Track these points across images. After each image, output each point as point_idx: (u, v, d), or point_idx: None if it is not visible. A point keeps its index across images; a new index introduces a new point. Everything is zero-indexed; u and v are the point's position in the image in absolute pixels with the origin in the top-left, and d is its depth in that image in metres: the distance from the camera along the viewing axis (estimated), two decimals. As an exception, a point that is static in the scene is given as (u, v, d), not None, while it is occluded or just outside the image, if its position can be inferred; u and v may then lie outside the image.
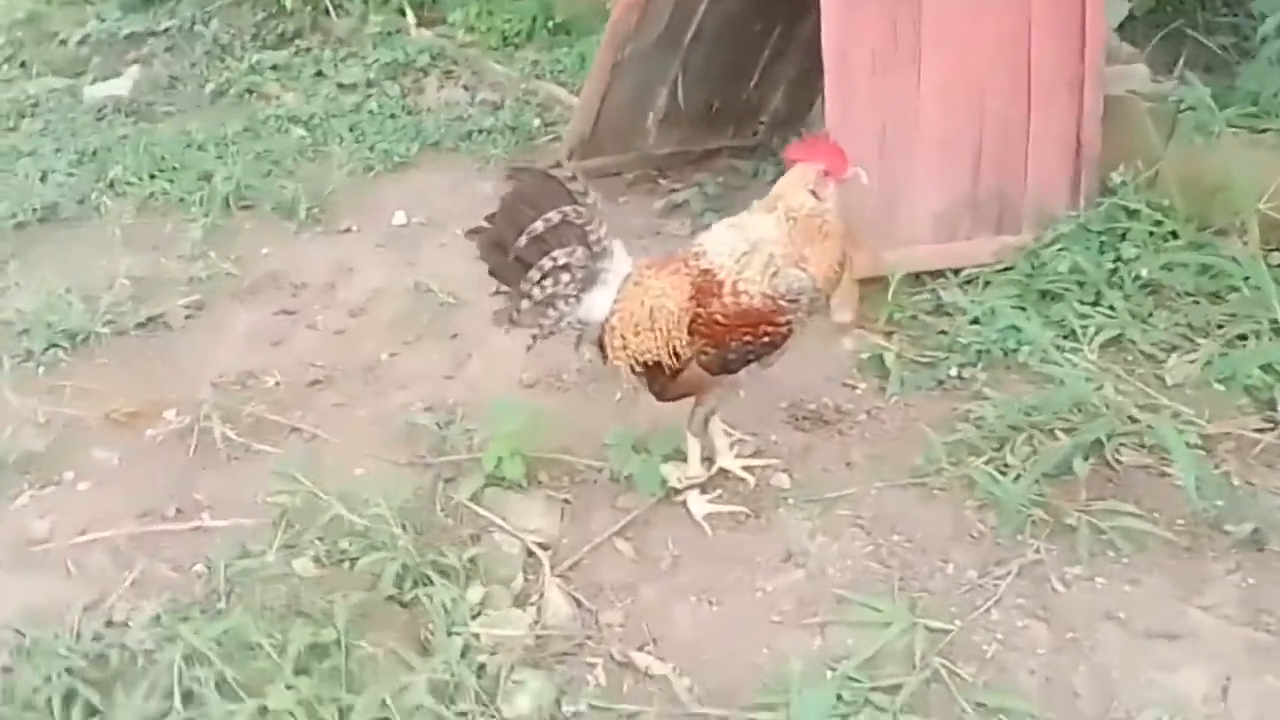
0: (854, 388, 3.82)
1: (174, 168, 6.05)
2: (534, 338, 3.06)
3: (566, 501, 3.38)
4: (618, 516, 3.30)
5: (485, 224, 3.00)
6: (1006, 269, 4.29)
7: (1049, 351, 3.74)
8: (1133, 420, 3.39)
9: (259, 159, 6.16)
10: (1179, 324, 3.89)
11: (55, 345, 4.34)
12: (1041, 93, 4.37)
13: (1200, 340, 3.79)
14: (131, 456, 3.72)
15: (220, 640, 2.79)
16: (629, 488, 3.37)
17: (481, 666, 2.80)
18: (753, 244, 2.95)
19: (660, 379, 3.12)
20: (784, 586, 3.02)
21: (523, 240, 2.90)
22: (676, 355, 3.04)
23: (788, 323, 2.97)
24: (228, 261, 5.06)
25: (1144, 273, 4.10)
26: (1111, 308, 3.95)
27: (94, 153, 6.25)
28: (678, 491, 3.31)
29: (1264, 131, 4.31)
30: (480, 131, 6.36)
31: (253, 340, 4.43)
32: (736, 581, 3.05)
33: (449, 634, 2.89)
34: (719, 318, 2.97)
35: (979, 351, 3.86)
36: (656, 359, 3.05)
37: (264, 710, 2.62)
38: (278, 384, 4.09)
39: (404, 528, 3.16)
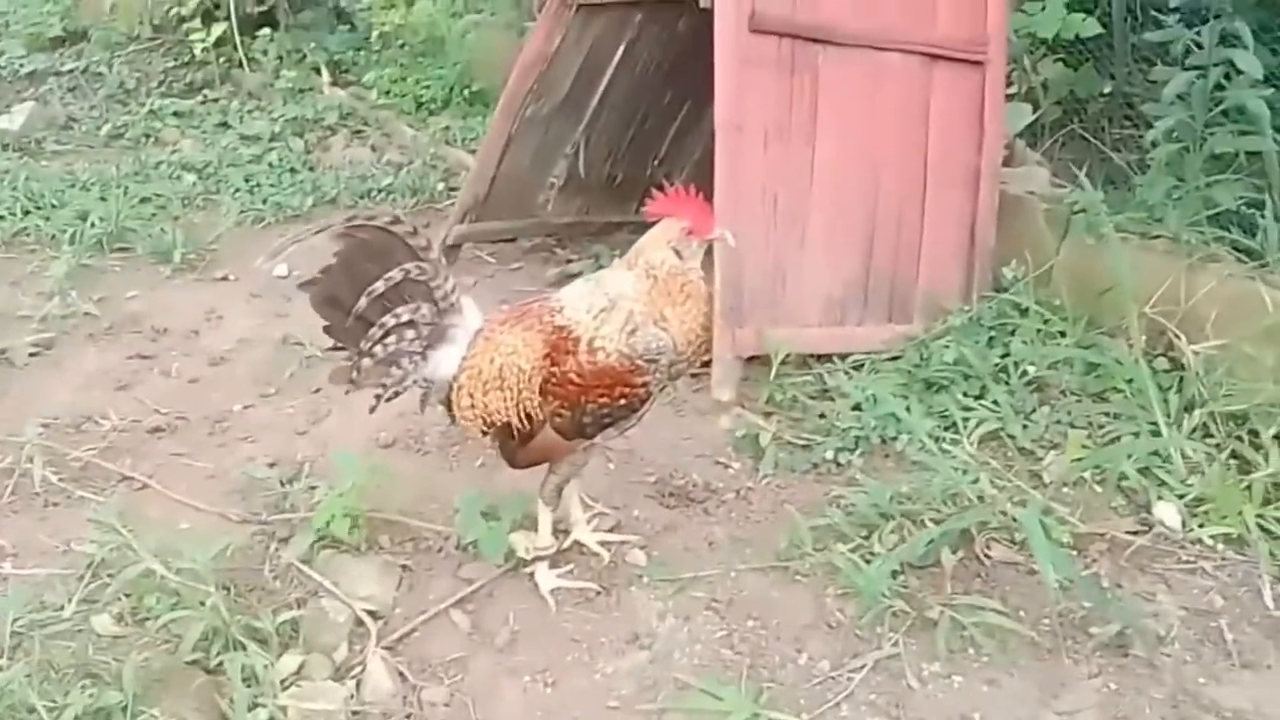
0: (726, 466, 3.68)
1: (51, 205, 5.85)
2: (377, 398, 2.87)
3: (405, 568, 3.17)
4: (458, 586, 3.10)
5: (319, 276, 2.80)
6: (894, 357, 4.23)
7: (926, 442, 3.65)
8: (1004, 514, 3.28)
9: (144, 203, 5.99)
10: (1060, 421, 3.83)
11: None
12: (937, 180, 4.38)
13: (1082, 439, 3.72)
14: (-64, 499, 3.43)
15: (-12, 699, 2.51)
16: (475, 556, 3.17)
17: (278, 745, 2.55)
18: (611, 300, 2.82)
19: (511, 443, 2.95)
20: (625, 669, 2.83)
21: (363, 302, 2.72)
22: (528, 417, 2.88)
23: (645, 384, 2.82)
24: (89, 302, 4.83)
25: (1030, 369, 4.05)
26: (995, 402, 3.88)
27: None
28: (526, 563, 3.12)
29: (1155, 238, 4.32)
30: (380, 190, 6.26)
31: (98, 382, 4.19)
32: (575, 662, 2.86)
33: (252, 705, 2.65)
34: (573, 377, 2.82)
35: (857, 437, 3.75)
36: (506, 420, 2.88)
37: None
38: (115, 429, 3.84)
39: (220, 587, 2.91)
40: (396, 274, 2.71)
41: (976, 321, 4.33)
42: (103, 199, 5.86)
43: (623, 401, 2.84)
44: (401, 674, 2.83)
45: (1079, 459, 3.56)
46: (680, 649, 2.89)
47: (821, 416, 3.92)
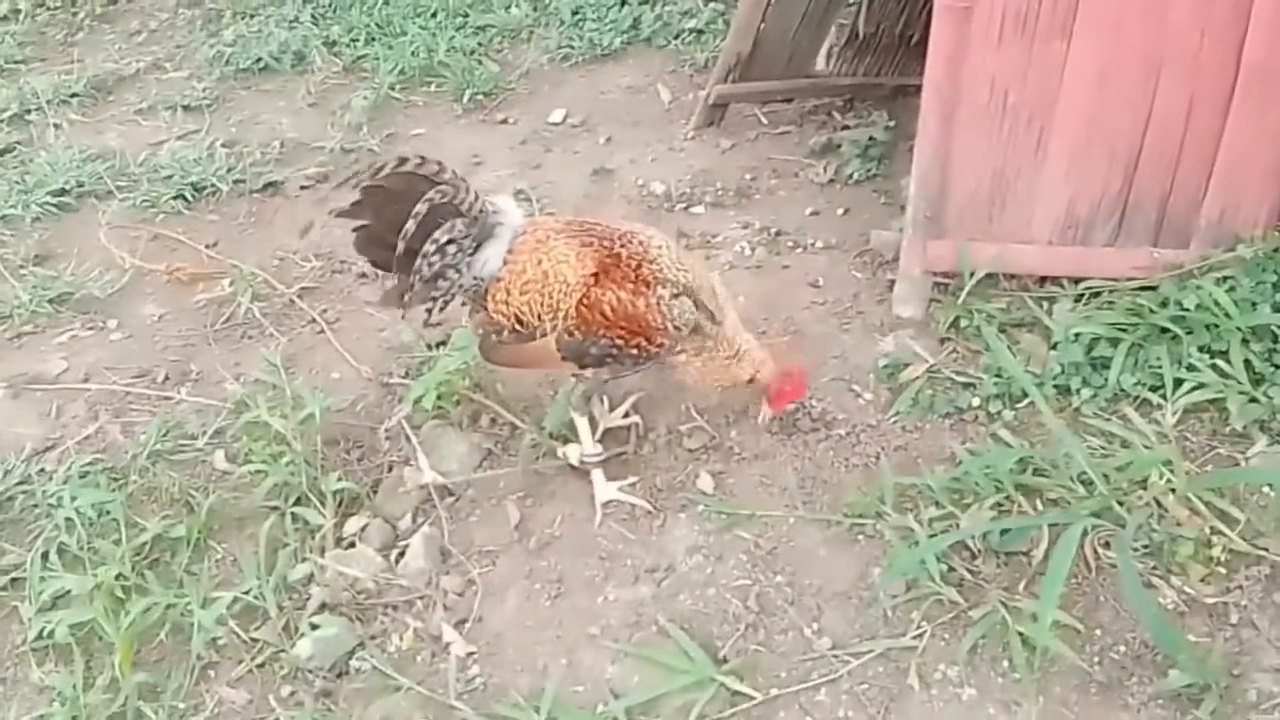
0: (859, 395, 3.49)
1: (397, 33, 6.37)
2: (429, 312, 3.05)
3: (490, 451, 3.40)
4: (527, 481, 3.28)
5: (356, 226, 2.94)
6: (1146, 287, 3.68)
7: (1112, 402, 3.25)
8: (1150, 507, 2.88)
9: (475, 33, 6.36)
10: (1303, 408, 3.20)
11: (181, 195, 4.83)
12: (1255, 82, 3.59)
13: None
14: (171, 316, 4.15)
15: (95, 510, 3.12)
16: (550, 452, 3.33)
17: (301, 597, 2.95)
18: (690, 273, 2.97)
19: (506, 337, 3.07)
20: (626, 600, 2.91)
21: (400, 244, 2.87)
22: (540, 321, 3.00)
23: (660, 345, 2.95)
24: (377, 137, 5.35)
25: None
26: (1228, 364, 3.30)
27: (327, 7, 6.71)
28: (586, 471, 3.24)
29: None
30: (690, 32, 6.19)
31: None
32: (588, 580, 2.98)
33: (298, 559, 3.06)
34: (606, 307, 2.91)
35: (1024, 385, 3.37)
36: (526, 320, 3.00)
37: (95, 585, 2.92)
38: (331, 270, 4.34)
39: (329, 441, 3.36)
40: (421, 208, 2.83)
41: (1274, 256, 3.65)
42: (433, 32, 6.33)
43: (634, 351, 2.94)
44: (443, 551, 3.11)
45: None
46: (690, 591, 2.91)
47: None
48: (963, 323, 3.69)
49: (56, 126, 5.53)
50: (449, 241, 2.92)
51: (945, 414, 3.38)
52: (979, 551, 2.90)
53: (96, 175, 5.00)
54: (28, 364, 3.90)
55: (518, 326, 3.02)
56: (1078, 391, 3.39)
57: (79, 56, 6.33)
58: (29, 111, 5.64)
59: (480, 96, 5.66)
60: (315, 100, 5.83)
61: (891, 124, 4.96)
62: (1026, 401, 3.37)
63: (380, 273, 3.02)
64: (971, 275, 3.71)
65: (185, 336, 4.03)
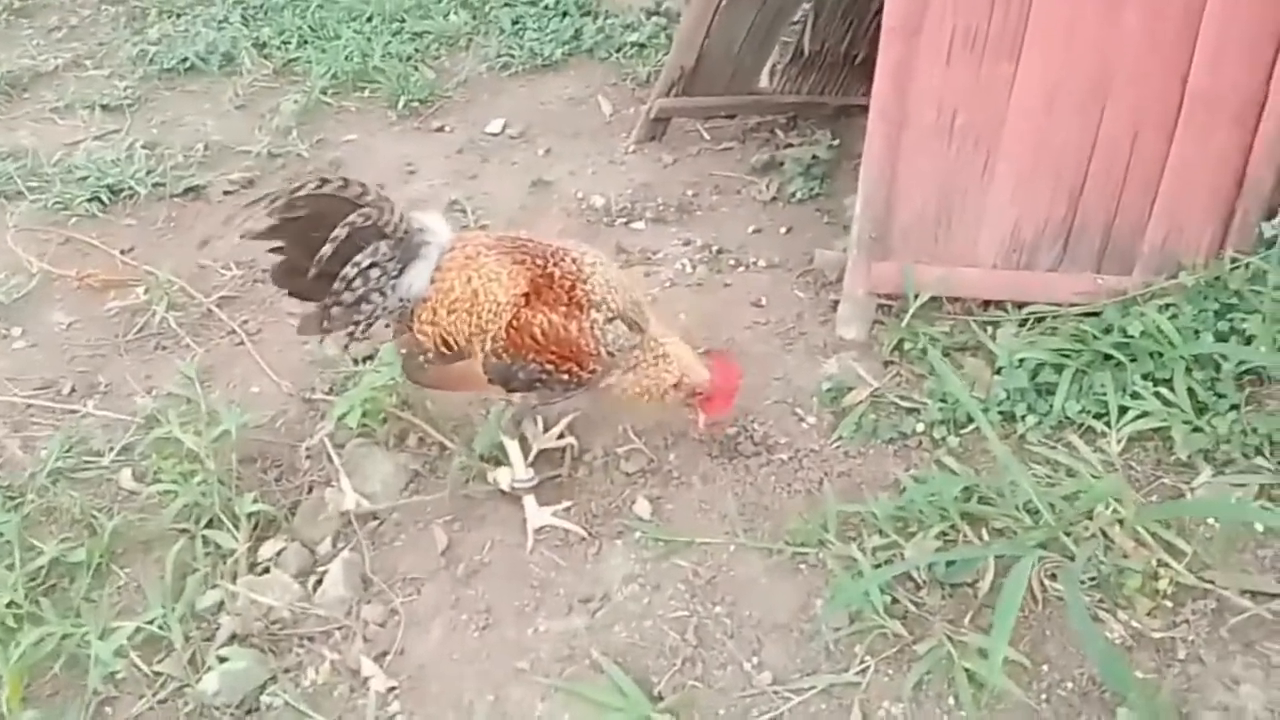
0: (802, 420, 3.40)
1: (331, 37, 6.21)
2: (349, 335, 2.91)
3: (417, 472, 3.25)
4: (455, 504, 3.14)
5: (274, 259, 2.79)
6: (1090, 313, 3.64)
7: (1057, 430, 3.20)
8: (1072, 540, 2.81)
9: (412, 39, 6.21)
10: (1251, 432, 3.15)
11: (96, 198, 4.63)
12: (1200, 109, 3.56)
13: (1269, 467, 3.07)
14: (81, 325, 3.96)
15: (-12, 533, 2.92)
16: (481, 474, 3.19)
17: (210, 627, 2.78)
18: (623, 293, 2.87)
19: (430, 357, 2.94)
20: (557, 632, 2.78)
21: (316, 268, 2.72)
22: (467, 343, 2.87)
23: (592, 372, 2.85)
24: (306, 143, 5.18)
25: (1253, 358, 3.33)
26: (1171, 392, 3.26)
27: (258, 9, 6.53)
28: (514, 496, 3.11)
29: None
30: (633, 46, 6.10)
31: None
32: (518, 610, 2.85)
33: (207, 585, 2.88)
34: (537, 330, 2.80)
35: (969, 411, 3.30)
36: (452, 341, 2.87)
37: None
38: (252, 279, 4.16)
39: (243, 460, 3.19)
40: (340, 231, 2.69)
41: (1215, 284, 3.62)
42: (367, 37, 6.17)
43: (565, 376, 2.84)
44: (364, 579, 2.95)
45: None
46: (626, 622, 2.79)
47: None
48: (906, 345, 3.62)
49: (-35, 123, 5.29)
50: (371, 265, 2.78)
51: (889, 439, 3.30)
52: (924, 582, 2.82)
53: (6, 175, 4.77)
54: (-72, 377, 3.69)
55: (444, 348, 2.88)
56: (1023, 418, 3.33)
57: (-7, 52, 6.08)
58: (-63, 106, 5.40)
59: (415, 104, 5.53)
60: (243, 103, 5.66)
61: (835, 143, 4.92)
62: (971, 427, 3.30)
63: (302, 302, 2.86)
64: (916, 298, 3.65)
65: (95, 346, 3.84)
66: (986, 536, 2.91)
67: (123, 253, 4.33)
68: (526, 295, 2.80)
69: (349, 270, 2.74)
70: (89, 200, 4.63)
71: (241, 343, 3.83)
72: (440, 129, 5.40)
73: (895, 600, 2.77)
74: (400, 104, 5.49)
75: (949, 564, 2.78)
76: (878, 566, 2.82)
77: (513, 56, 6.06)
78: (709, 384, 2.99)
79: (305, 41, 6.23)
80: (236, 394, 3.56)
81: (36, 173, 4.83)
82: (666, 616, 2.80)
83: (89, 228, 4.51)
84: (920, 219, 3.70)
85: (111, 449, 3.32)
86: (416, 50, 6.16)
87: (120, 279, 4.14)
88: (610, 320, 2.81)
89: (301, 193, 2.66)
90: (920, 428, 3.30)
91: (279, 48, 6.18)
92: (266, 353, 3.77)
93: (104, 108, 5.48)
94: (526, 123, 5.40)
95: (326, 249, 2.67)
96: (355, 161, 5.06)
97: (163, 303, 3.95)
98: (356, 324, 2.86)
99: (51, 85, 5.77)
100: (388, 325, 2.99)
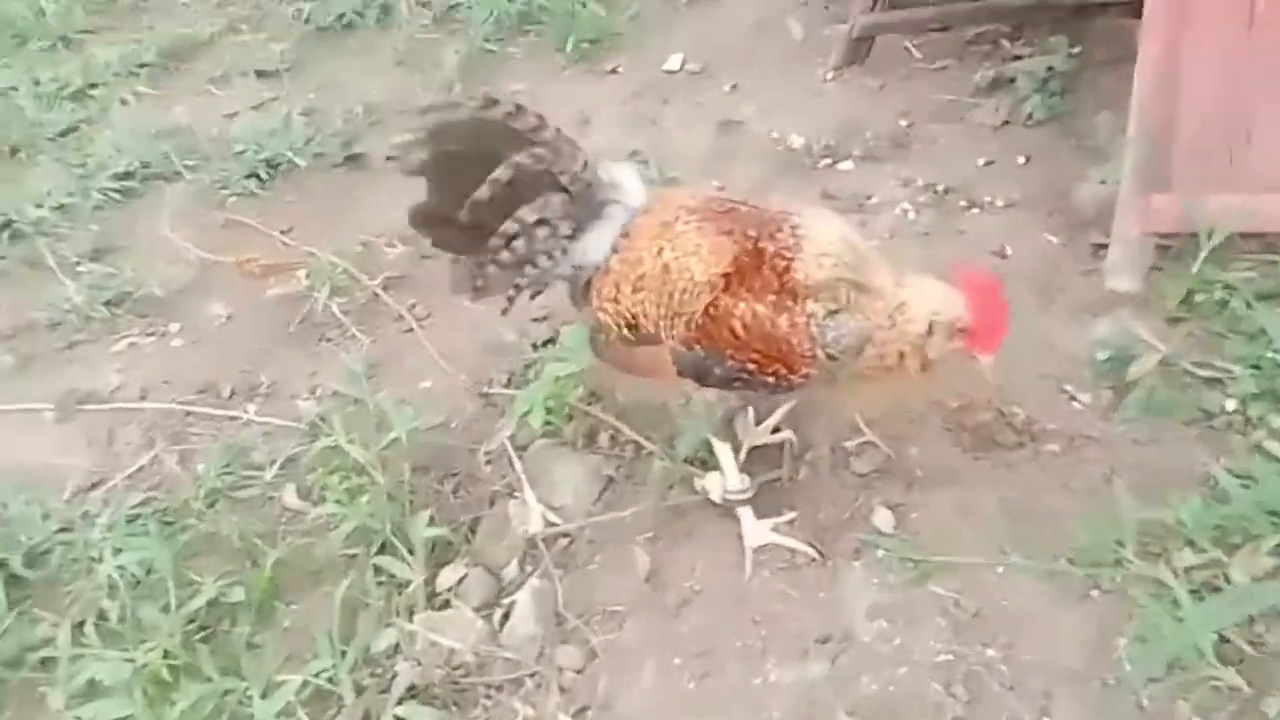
0: (1073, 398, 2.80)
1: (491, -22, 5.78)
2: (510, 299, 2.45)
3: (611, 478, 2.81)
4: (659, 517, 2.68)
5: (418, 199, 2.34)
6: None
7: None
8: None
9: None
10: None
11: (255, 174, 4.33)
12: None
13: None
14: (240, 316, 3.67)
15: (142, 567, 2.63)
16: (685, 480, 2.72)
17: (385, 677, 2.41)
18: (856, 269, 2.24)
19: (619, 343, 2.46)
20: (789, 684, 2.30)
21: (464, 212, 2.26)
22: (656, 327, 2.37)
23: (804, 375, 2.28)
24: (472, 94, 4.75)
25: None
26: None
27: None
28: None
29: None
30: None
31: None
32: (740, 653, 2.38)
33: (381, 624, 2.52)
34: (737, 323, 2.26)
35: (1294, 379, 2.65)
36: (640, 324, 2.38)
37: (137, 665, 2.42)
38: (421, 254, 3.75)
39: (415, 469, 2.83)
40: (503, 173, 2.22)
41: None
42: (529, -29, 5.70)
43: (769, 379, 2.29)
44: (557, 615, 2.53)
45: None
46: (875, 670, 2.28)
47: (1255, 337, 2.81)
48: (1199, 297, 2.96)
49: (123, 101, 5.08)
50: (539, 222, 2.31)
51: (1190, 420, 2.68)
52: (1259, 615, 2.20)
53: (163, 155, 4.52)
54: (79, 379, 3.45)
55: (626, 332, 2.39)
56: (1363, 387, 2.64)
57: (149, 23, 5.86)
58: (94, 86, 5.20)
59: (585, 44, 5.04)
60: (402, 58, 5.27)
61: (1075, 50, 4.19)
62: (1297, 400, 2.63)
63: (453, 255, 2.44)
64: (1209, 236, 2.96)
65: (255, 341, 3.53)
66: (1341, 552, 2.27)
67: (282, 233, 4.01)
68: (728, 276, 2.27)
69: (510, 226, 2.28)
70: (246, 177, 4.34)
71: (410, 330, 3.45)
72: (613, 71, 4.91)
73: (1224, 639, 2.17)
74: (569, 46, 5.00)
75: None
76: (1194, 592, 2.22)
77: (687, -15, 5.49)
78: (971, 310, 2.26)
79: (465, -16, 5.80)
80: (407, 390, 3.20)
81: (193, 150, 4.57)
82: (925, 662, 2.28)
83: (247, 208, 4.22)
84: (1211, 136, 3.01)
85: (274, 462, 2.99)
86: (585, -14, 5.65)
87: (281, 263, 3.82)
88: (832, 314, 2.23)
89: (459, 115, 2.18)
90: (1230, 405, 2.66)
91: (434, -5, 5.77)
92: (438, 340, 3.38)
93: (259, 74, 5.19)
94: (707, 56, 4.85)
95: (482, 191, 2.20)
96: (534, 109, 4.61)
97: (325, 288, 3.60)
98: (518, 288, 2.40)
99: (208, 54, 5.51)
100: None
